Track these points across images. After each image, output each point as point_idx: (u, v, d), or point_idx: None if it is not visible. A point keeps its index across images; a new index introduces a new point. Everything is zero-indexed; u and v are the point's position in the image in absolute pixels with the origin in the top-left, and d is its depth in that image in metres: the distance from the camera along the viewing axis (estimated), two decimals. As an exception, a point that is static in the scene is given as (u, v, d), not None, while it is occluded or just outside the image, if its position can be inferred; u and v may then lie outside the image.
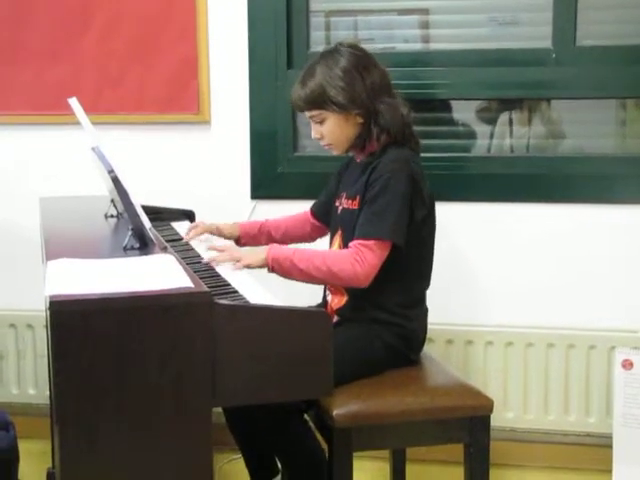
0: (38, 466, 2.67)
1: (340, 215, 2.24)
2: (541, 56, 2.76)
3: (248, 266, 2.07)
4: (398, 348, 2.14)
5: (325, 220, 2.40)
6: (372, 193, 2.08)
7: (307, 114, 2.20)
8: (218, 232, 2.43)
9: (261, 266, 2.08)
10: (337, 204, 2.29)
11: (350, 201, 2.19)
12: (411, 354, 2.19)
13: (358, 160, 2.25)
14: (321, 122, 2.18)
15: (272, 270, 2.08)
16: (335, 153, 2.26)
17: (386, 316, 2.13)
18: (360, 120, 2.15)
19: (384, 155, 2.13)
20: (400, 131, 2.15)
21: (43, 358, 2.95)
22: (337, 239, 2.25)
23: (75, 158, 2.91)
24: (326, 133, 2.18)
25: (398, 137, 2.15)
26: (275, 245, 2.15)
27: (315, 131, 2.21)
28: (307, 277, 2.07)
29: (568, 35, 2.73)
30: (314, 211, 2.47)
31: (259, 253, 2.09)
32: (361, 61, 2.15)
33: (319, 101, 2.14)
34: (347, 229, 2.18)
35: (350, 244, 2.08)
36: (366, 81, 2.12)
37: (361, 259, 2.03)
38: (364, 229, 2.07)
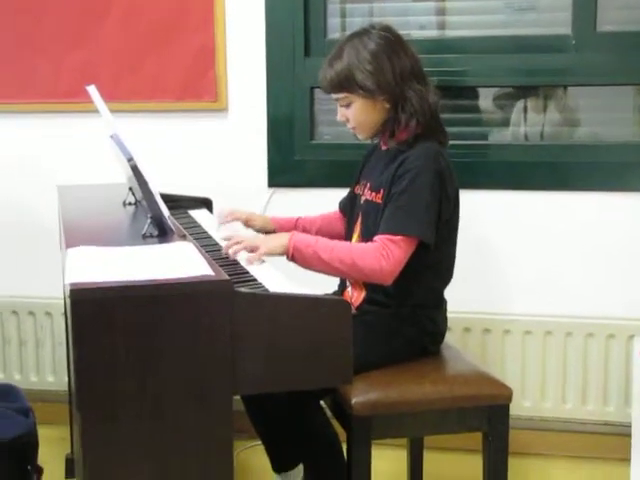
0: (57, 451, 2.69)
1: (363, 205, 2.20)
2: (560, 42, 2.74)
3: (267, 253, 2.01)
4: (419, 342, 2.14)
5: None
6: (399, 187, 2.03)
7: (333, 96, 2.16)
8: (250, 223, 2.37)
9: (281, 253, 2.02)
10: (359, 192, 2.25)
11: (374, 194, 2.14)
12: (432, 347, 2.18)
13: (384, 148, 2.20)
14: (347, 105, 2.13)
15: (292, 258, 2.02)
16: (360, 137, 2.22)
17: (408, 314, 2.11)
18: (387, 106, 2.10)
19: (412, 149, 2.07)
20: (428, 121, 2.10)
21: (61, 345, 2.97)
22: (357, 228, 2.22)
23: (93, 146, 2.91)
24: (352, 117, 2.14)
25: (426, 127, 2.10)
26: (297, 232, 2.10)
27: (340, 114, 2.17)
28: (328, 268, 2.02)
29: (588, 21, 2.70)
30: (342, 208, 2.40)
31: (280, 239, 2.04)
32: (391, 45, 2.10)
33: (346, 84, 2.09)
34: (367, 220, 2.15)
35: (376, 238, 2.02)
36: (395, 66, 2.07)
37: (387, 254, 1.97)
38: (391, 224, 2.01)
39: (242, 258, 2.02)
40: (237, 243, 2.04)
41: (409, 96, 2.08)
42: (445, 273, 2.18)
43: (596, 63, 2.70)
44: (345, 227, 2.34)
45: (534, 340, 2.78)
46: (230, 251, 2.03)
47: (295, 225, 2.38)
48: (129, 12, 2.88)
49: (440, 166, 2.05)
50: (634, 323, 2.71)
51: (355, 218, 2.24)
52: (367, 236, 2.11)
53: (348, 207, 2.32)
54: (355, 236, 2.22)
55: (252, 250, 2.02)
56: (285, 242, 2.02)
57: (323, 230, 2.37)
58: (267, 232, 2.36)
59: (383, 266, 1.97)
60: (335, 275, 2.10)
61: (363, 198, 2.21)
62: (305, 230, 2.36)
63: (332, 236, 2.24)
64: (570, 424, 2.81)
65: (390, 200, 2.05)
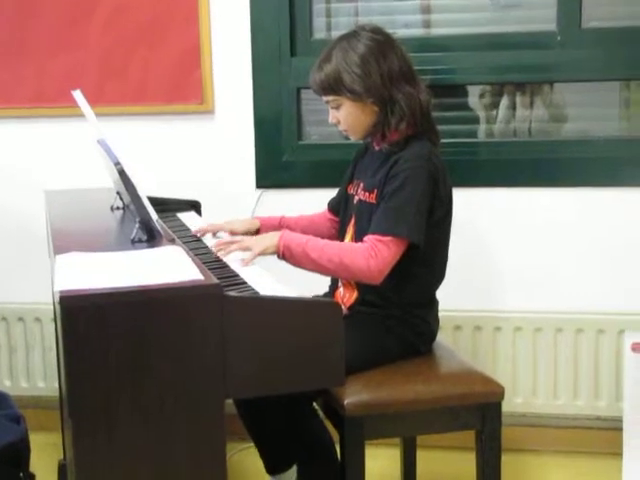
0: (49, 458, 2.68)
1: (356, 205, 2.19)
2: (546, 39, 2.74)
3: (260, 253, 2.01)
4: (411, 342, 2.13)
5: None
6: (391, 188, 2.03)
7: (324, 98, 2.16)
8: (232, 232, 2.33)
9: (273, 252, 2.02)
10: (352, 192, 2.24)
11: (367, 194, 2.14)
12: (424, 347, 2.18)
13: (377, 148, 2.19)
14: (337, 107, 2.13)
15: (282, 257, 2.03)
16: (352, 139, 2.22)
17: (400, 314, 2.11)
18: (376, 108, 2.10)
19: (405, 150, 2.07)
20: (419, 121, 2.10)
21: (51, 351, 2.96)
22: (350, 229, 2.21)
23: (80, 150, 2.90)
24: (342, 119, 2.14)
25: (418, 127, 2.10)
26: (287, 231, 2.10)
27: (332, 116, 2.16)
28: (318, 267, 2.02)
29: (573, 17, 2.71)
30: (332, 207, 2.40)
31: (271, 238, 2.04)
32: (380, 47, 2.08)
33: (334, 87, 2.09)
34: (361, 220, 2.14)
35: (365, 238, 2.02)
36: (383, 69, 2.06)
37: (375, 254, 1.97)
38: (381, 224, 2.01)
39: (233, 260, 2.02)
40: (229, 244, 2.05)
41: (398, 99, 2.08)
42: (437, 273, 2.18)
43: (581, 59, 2.71)
44: (338, 227, 2.33)
45: (525, 337, 2.79)
46: (221, 253, 2.02)
47: (279, 224, 2.37)
48: (113, 16, 2.87)
49: (433, 166, 2.05)
50: (624, 318, 2.72)
51: (348, 219, 2.23)
52: (361, 237, 2.11)
53: (341, 207, 2.32)
54: (348, 236, 2.21)
55: (245, 250, 2.02)
56: (276, 241, 2.03)
57: (307, 231, 2.34)
58: (253, 233, 2.35)
59: (371, 265, 1.98)
60: (325, 274, 2.10)
61: (356, 198, 2.20)
62: (289, 229, 2.32)
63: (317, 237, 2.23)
64: (562, 419, 2.82)
65: (381, 200, 2.05)
